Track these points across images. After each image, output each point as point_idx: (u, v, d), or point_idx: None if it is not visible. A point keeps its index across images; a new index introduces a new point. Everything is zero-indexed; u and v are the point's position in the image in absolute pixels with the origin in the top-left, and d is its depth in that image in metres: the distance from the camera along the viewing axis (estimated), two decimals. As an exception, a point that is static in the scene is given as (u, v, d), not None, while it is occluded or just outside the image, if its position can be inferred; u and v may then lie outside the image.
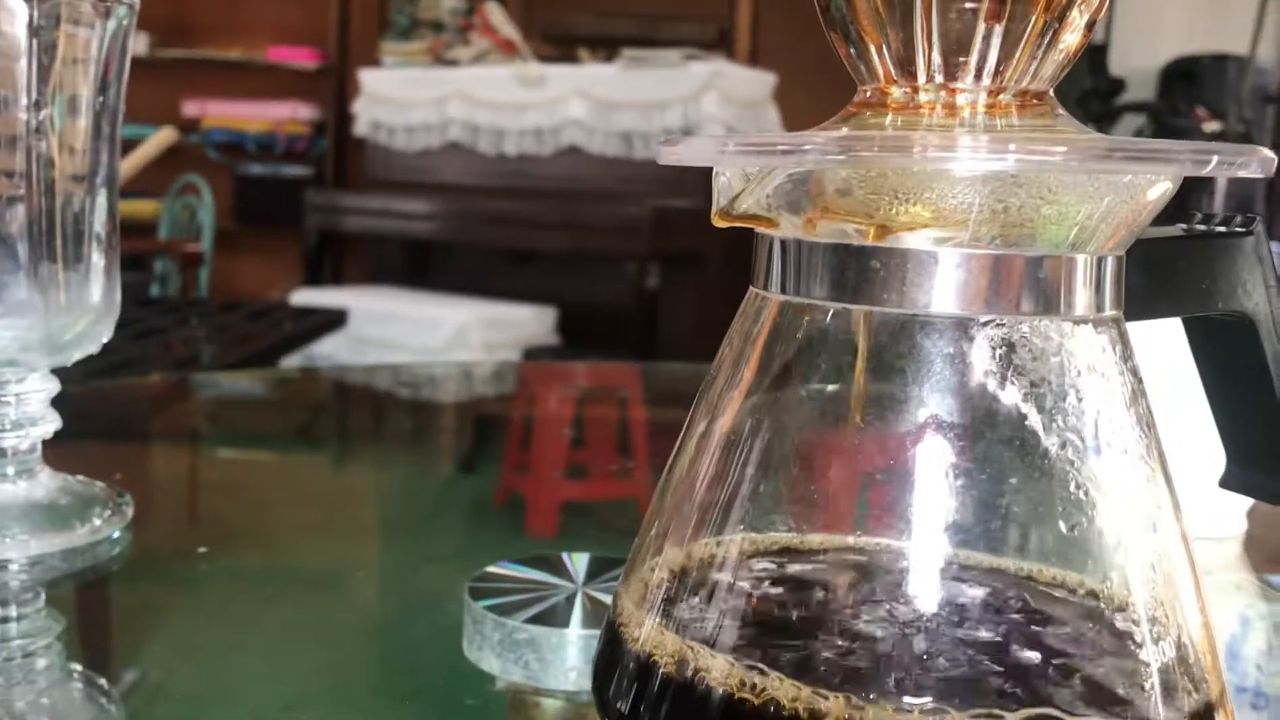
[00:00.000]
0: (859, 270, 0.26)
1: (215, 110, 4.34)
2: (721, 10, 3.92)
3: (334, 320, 1.92)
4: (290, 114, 4.33)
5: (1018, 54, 0.27)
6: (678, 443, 0.30)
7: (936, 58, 0.27)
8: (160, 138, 1.96)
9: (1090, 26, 0.27)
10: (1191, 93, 2.83)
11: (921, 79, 0.27)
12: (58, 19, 0.40)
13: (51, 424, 0.49)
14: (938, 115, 0.27)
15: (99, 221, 0.44)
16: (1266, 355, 0.31)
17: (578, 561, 0.42)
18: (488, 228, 3.55)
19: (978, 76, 0.27)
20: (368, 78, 3.85)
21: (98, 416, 0.85)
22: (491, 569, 0.42)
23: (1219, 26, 3.10)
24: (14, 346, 0.44)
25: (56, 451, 0.52)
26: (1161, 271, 0.30)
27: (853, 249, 0.26)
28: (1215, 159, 0.24)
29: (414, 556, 0.56)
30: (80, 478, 0.53)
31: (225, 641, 0.43)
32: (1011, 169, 0.23)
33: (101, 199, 0.44)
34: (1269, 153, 0.26)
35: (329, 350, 3.26)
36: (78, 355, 0.48)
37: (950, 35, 0.26)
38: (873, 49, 0.27)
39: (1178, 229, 0.31)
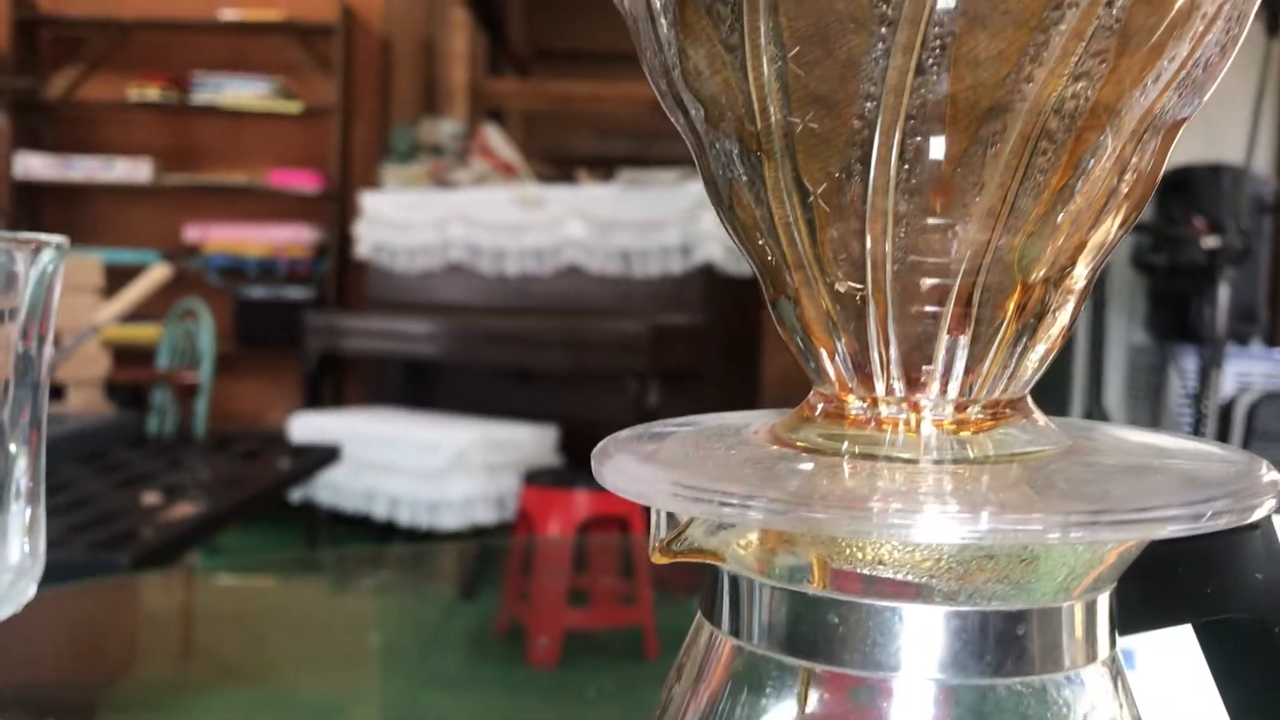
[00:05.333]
0: (814, 624, 0.23)
1: (217, 235, 4.36)
2: (717, 127, 3.96)
3: (327, 457, 1.89)
4: (292, 237, 4.35)
5: (986, 365, 0.24)
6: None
7: (895, 369, 0.24)
8: (153, 276, 1.95)
9: (1072, 321, 0.24)
10: (1188, 204, 2.83)
11: (880, 389, 0.24)
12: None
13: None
14: (900, 435, 0.24)
15: (19, 473, 0.41)
16: (1286, 661, 0.28)
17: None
18: (488, 347, 3.54)
19: (943, 389, 0.24)
20: (369, 201, 3.88)
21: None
22: None
23: (1210, 137, 3.11)
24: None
25: None
26: (1159, 577, 0.27)
27: (808, 599, 0.23)
28: (1210, 510, 0.21)
29: (415, 684, 0.54)
30: None
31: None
32: (984, 540, 0.20)
33: (23, 452, 0.41)
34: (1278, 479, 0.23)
35: (328, 474, 3.22)
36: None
37: (909, 343, 0.23)
38: (824, 355, 0.24)
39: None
